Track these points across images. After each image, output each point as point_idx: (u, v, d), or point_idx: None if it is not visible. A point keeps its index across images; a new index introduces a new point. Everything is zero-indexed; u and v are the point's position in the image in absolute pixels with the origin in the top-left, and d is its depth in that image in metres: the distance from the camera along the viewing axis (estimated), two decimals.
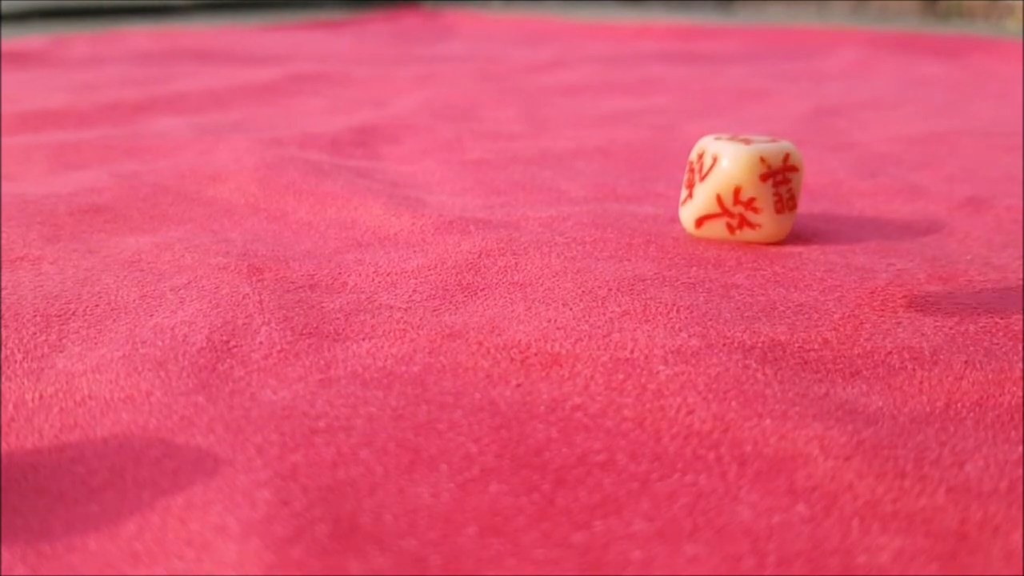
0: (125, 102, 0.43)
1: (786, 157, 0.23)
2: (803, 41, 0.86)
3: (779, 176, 0.23)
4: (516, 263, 0.21)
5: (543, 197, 0.27)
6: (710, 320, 0.18)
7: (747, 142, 0.23)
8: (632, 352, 0.16)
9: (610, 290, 0.19)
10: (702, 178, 0.23)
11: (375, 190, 0.27)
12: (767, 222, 0.23)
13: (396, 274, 0.20)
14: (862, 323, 0.18)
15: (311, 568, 0.11)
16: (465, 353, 0.16)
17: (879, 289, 0.20)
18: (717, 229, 0.23)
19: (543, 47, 0.73)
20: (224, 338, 0.17)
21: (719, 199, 0.23)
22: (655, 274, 0.20)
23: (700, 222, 0.23)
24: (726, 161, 0.22)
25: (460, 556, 0.11)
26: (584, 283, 0.20)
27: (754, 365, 0.16)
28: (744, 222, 0.23)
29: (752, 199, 0.23)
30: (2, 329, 0.18)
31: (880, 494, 0.12)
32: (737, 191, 0.22)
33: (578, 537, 0.12)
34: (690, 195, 0.24)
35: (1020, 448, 0.13)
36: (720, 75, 0.61)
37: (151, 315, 0.18)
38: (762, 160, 0.22)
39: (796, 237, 0.24)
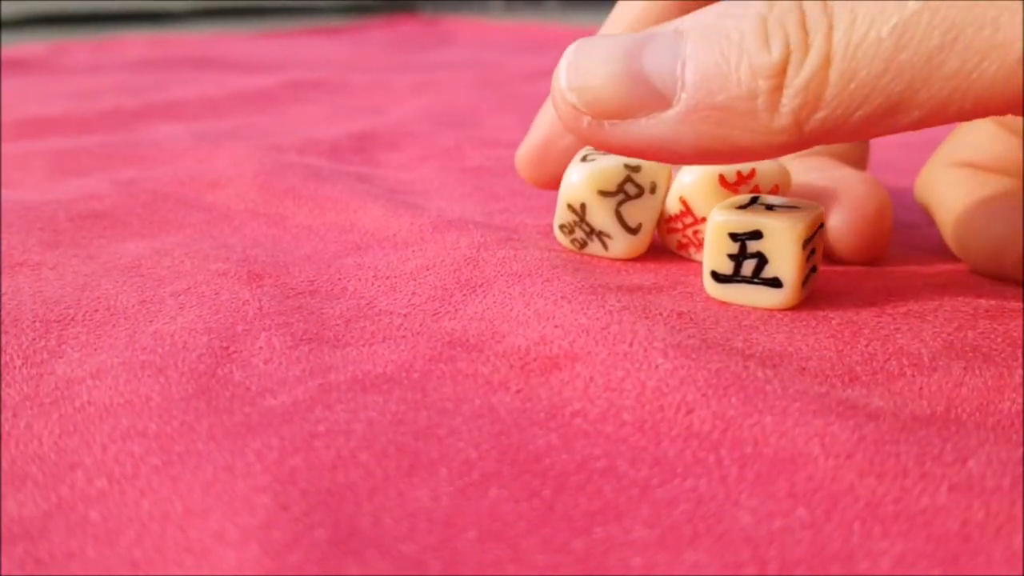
0: (124, 109, 0.43)
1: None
2: None
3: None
4: (515, 255, 0.21)
5: (542, 204, 0.28)
6: (709, 325, 0.18)
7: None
8: (631, 345, 0.16)
9: (608, 290, 0.19)
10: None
11: (374, 194, 0.27)
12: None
13: (395, 277, 0.20)
14: (860, 328, 0.18)
15: (310, 573, 0.11)
16: (464, 360, 0.16)
17: (877, 291, 0.20)
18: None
19: (542, 54, 0.73)
20: (223, 343, 0.17)
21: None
22: (653, 283, 0.20)
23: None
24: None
25: (460, 561, 0.11)
26: (583, 279, 0.20)
27: (753, 366, 0.16)
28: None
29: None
30: (2, 335, 0.18)
31: (881, 495, 0.12)
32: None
33: (578, 543, 0.12)
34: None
35: (1022, 449, 0.13)
36: None
37: (150, 321, 0.18)
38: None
39: None
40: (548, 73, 0.62)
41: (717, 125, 0.15)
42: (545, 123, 0.23)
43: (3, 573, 0.11)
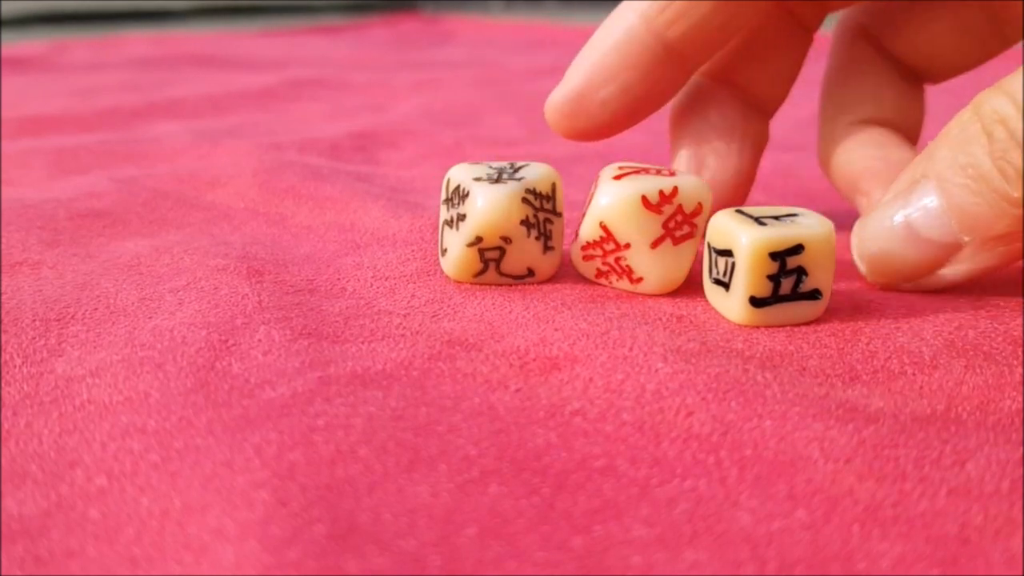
0: (124, 107, 0.43)
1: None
2: None
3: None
4: None
5: None
6: (709, 328, 0.18)
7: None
8: (631, 350, 0.16)
9: (608, 298, 0.19)
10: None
11: (374, 193, 0.27)
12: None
13: (395, 278, 0.20)
14: (861, 327, 0.18)
15: (309, 569, 0.11)
16: (464, 358, 0.16)
17: (877, 290, 0.20)
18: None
19: (543, 52, 0.73)
20: (222, 336, 0.17)
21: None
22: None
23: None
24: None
25: (460, 557, 0.11)
26: (583, 286, 0.20)
27: (753, 369, 0.16)
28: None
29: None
30: (1, 334, 0.18)
31: (880, 498, 0.12)
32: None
33: (578, 541, 0.12)
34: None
35: (1021, 450, 0.13)
36: None
37: (150, 317, 0.18)
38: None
39: None
40: (548, 72, 0.62)
41: (1007, 244, 0.18)
42: (581, 70, 0.21)
43: (3, 572, 0.11)
